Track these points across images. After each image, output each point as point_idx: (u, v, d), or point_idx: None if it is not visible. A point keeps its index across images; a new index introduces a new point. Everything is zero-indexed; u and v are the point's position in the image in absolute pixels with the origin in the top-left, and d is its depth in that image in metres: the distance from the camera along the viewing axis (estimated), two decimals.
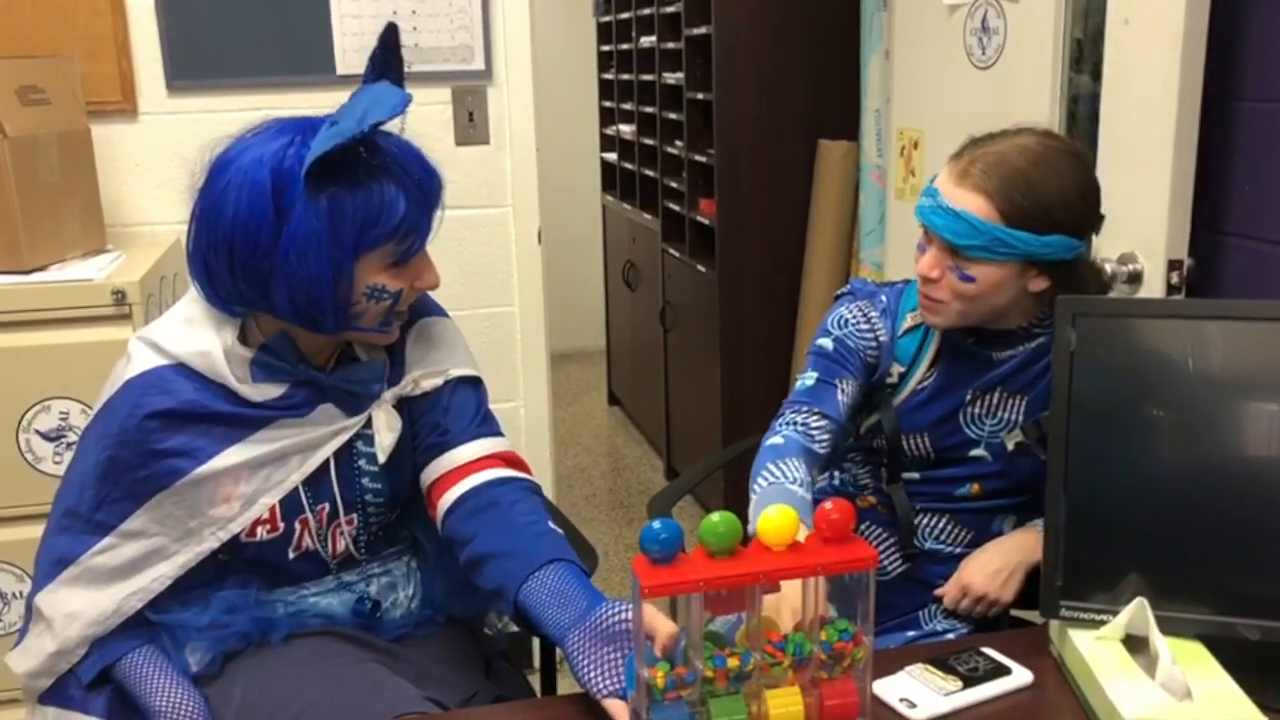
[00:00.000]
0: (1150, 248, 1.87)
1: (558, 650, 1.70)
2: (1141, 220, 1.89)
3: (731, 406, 3.67)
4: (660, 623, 1.19)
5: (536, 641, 1.73)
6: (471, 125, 2.71)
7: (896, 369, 1.66)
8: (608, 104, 5.29)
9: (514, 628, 1.69)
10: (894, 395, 1.67)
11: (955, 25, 2.60)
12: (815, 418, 1.62)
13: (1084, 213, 1.52)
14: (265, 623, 1.48)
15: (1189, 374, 1.32)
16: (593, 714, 1.27)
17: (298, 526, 1.48)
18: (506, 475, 1.51)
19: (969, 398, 1.64)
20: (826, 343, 1.67)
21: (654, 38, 4.23)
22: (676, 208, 4.15)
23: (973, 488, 1.67)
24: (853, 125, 3.30)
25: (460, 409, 1.54)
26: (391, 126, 1.38)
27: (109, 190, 2.49)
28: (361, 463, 1.51)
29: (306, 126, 1.36)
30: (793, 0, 3.41)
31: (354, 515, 1.52)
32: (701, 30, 3.61)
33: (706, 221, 3.79)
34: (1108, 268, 1.92)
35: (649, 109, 4.47)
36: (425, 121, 2.66)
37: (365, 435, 1.51)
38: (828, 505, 1.19)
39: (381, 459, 1.50)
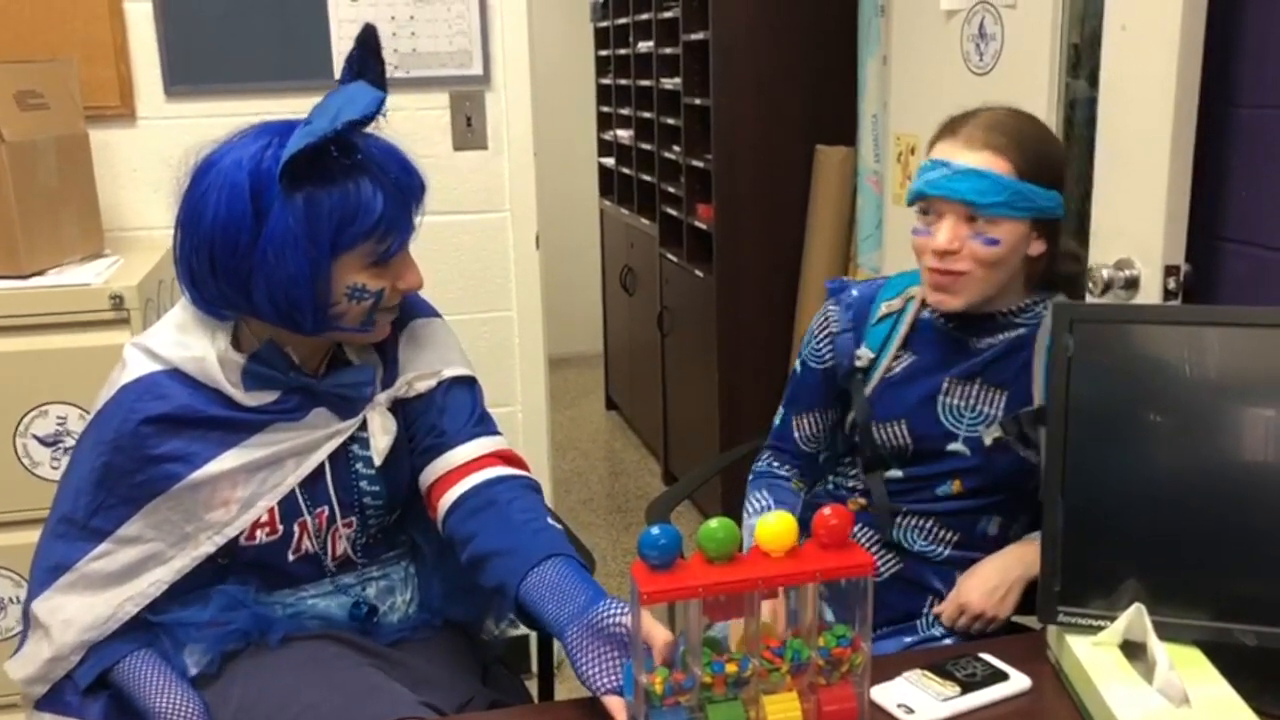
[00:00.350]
0: (1147, 253, 1.88)
1: (555, 655, 1.71)
2: (1138, 226, 1.89)
3: (729, 411, 3.67)
4: (657, 632, 1.19)
5: (534, 647, 1.73)
6: (469, 130, 2.71)
7: (866, 354, 1.68)
8: (605, 109, 5.29)
9: (511, 633, 1.69)
10: (865, 381, 1.68)
11: (953, 31, 2.61)
12: (783, 458, 1.83)
13: (1064, 169, 1.61)
14: (264, 621, 1.49)
15: (1186, 380, 1.32)
16: (590, 719, 1.27)
17: (296, 529, 1.48)
18: (505, 473, 1.51)
19: (946, 386, 1.64)
20: (798, 365, 1.79)
21: (652, 43, 4.24)
22: (674, 213, 4.16)
23: (954, 485, 1.66)
24: (850, 130, 3.30)
25: (456, 409, 1.54)
26: (374, 128, 1.39)
27: (107, 195, 2.49)
28: (358, 466, 1.51)
29: (285, 129, 1.37)
30: (790, 5, 3.41)
31: (352, 518, 1.52)
32: (699, 35, 3.61)
33: (704, 226, 3.79)
34: (1104, 273, 1.92)
35: (647, 114, 4.47)
36: (423, 126, 2.67)
37: (361, 438, 1.51)
38: (826, 511, 1.19)
39: (378, 462, 1.50)
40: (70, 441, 2.08)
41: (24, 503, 2.08)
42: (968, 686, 1.31)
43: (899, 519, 1.69)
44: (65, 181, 2.24)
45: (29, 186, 2.12)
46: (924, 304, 1.67)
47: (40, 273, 2.15)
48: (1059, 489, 1.35)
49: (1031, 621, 1.57)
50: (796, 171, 3.50)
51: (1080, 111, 2.32)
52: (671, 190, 4.17)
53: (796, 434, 1.80)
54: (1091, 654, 1.30)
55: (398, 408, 1.53)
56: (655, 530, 1.15)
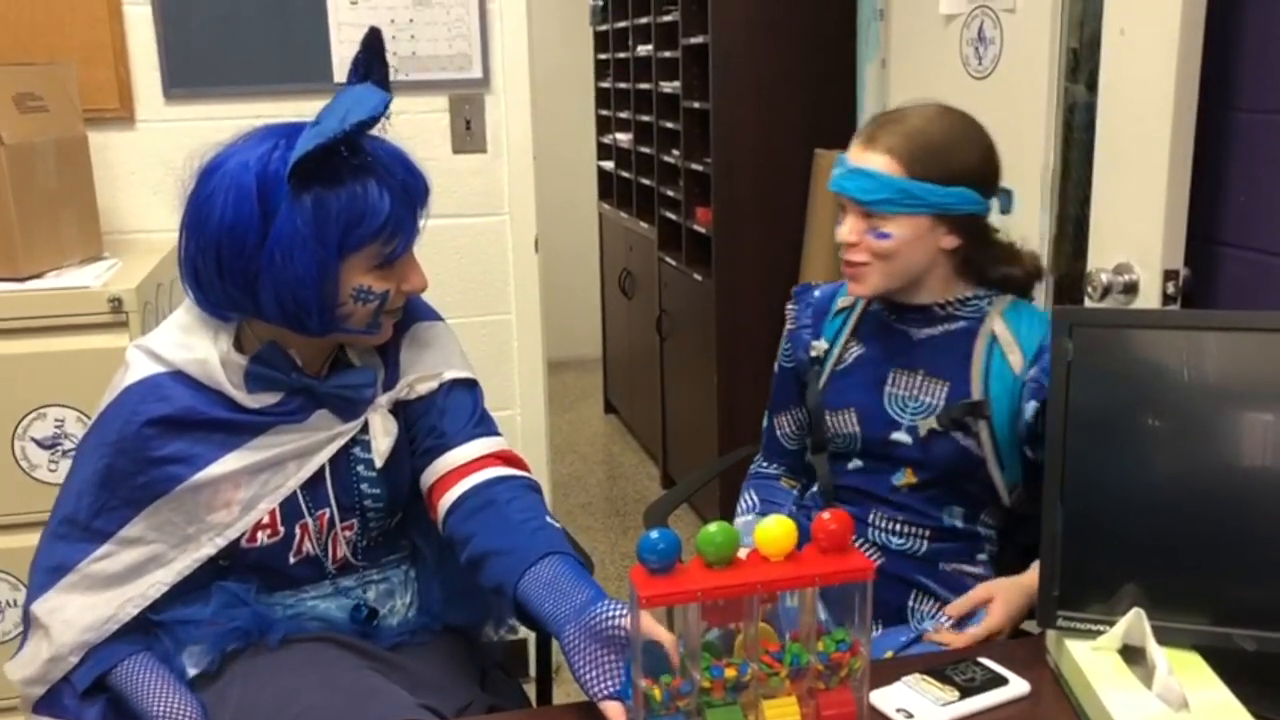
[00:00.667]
0: (1146, 258, 1.88)
1: (554, 659, 1.71)
2: (1137, 230, 1.89)
3: (728, 415, 3.67)
4: (661, 634, 1.19)
5: (533, 651, 1.73)
6: (469, 133, 2.71)
7: (820, 345, 1.77)
8: (605, 112, 5.29)
9: (510, 638, 1.69)
10: (820, 370, 1.76)
11: (952, 35, 2.61)
12: (771, 458, 1.91)
13: (981, 167, 1.63)
14: (264, 621, 1.49)
15: (1185, 384, 1.32)
16: None
17: (298, 531, 1.49)
18: (505, 474, 1.51)
19: (891, 376, 1.69)
20: (775, 368, 1.87)
21: (651, 46, 4.24)
22: (673, 216, 4.16)
23: (906, 475, 1.69)
24: (849, 134, 3.27)
25: (456, 411, 1.54)
26: (377, 131, 1.39)
27: (106, 197, 2.49)
28: (359, 468, 1.51)
29: (291, 131, 1.37)
30: (790, 9, 3.41)
31: (353, 520, 1.52)
32: (698, 39, 3.61)
33: (703, 230, 3.79)
34: (1103, 277, 1.92)
35: (646, 118, 4.47)
36: (422, 129, 2.67)
37: (362, 440, 1.51)
38: (825, 515, 1.19)
39: (379, 464, 1.50)
40: (68, 444, 2.07)
41: (22, 505, 2.08)
42: (967, 691, 1.31)
43: (871, 518, 1.71)
44: (64, 184, 2.24)
45: (28, 189, 2.12)
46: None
47: (39, 275, 2.15)
48: (1058, 493, 1.35)
49: (1031, 626, 1.57)
50: (795, 175, 3.50)
51: (1079, 116, 2.32)
52: (670, 194, 4.17)
53: (778, 433, 1.88)
54: (1091, 658, 1.30)
55: (399, 410, 1.53)
56: (654, 534, 1.15)
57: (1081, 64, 2.30)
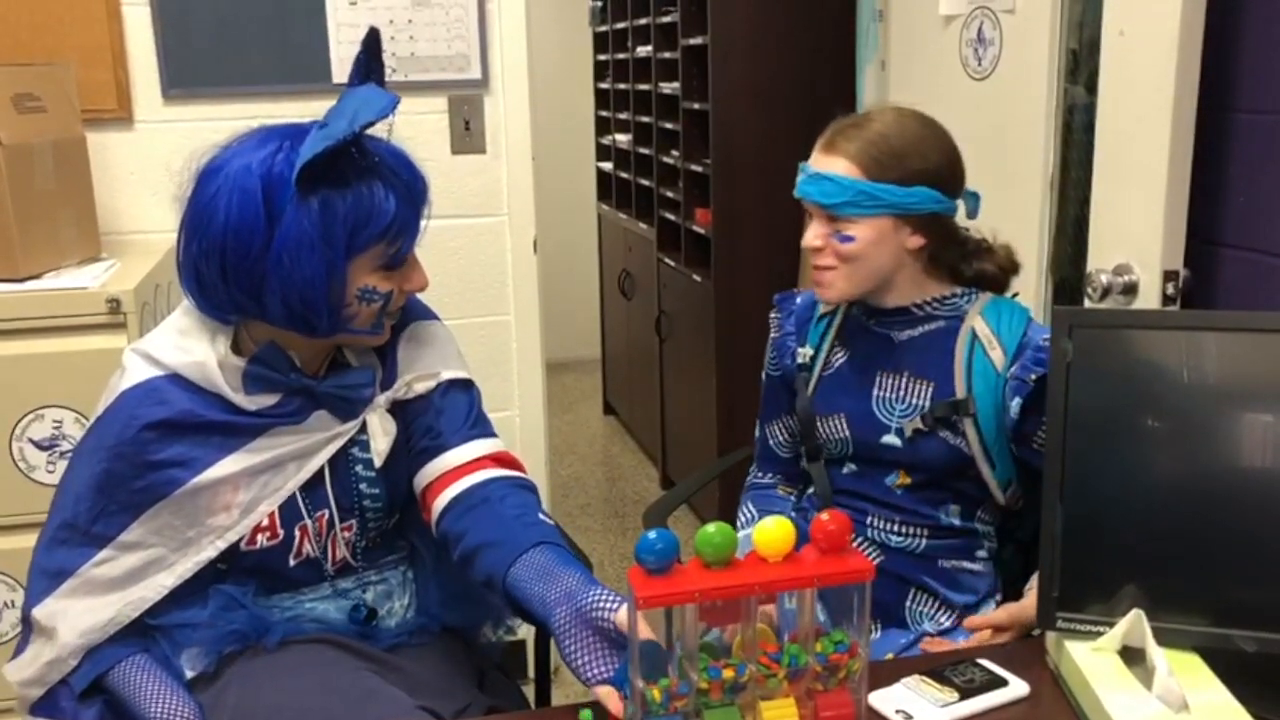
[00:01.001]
0: (1146, 259, 1.88)
1: (552, 660, 1.71)
2: (1137, 231, 1.89)
3: (727, 416, 3.67)
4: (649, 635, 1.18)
5: (531, 653, 1.73)
6: (468, 134, 2.71)
7: (806, 351, 1.78)
8: (604, 113, 5.30)
9: (508, 639, 1.69)
10: (809, 376, 1.76)
11: (951, 36, 2.61)
12: (766, 467, 1.90)
13: (941, 167, 1.63)
14: (262, 623, 1.48)
15: (1185, 385, 1.32)
16: None
17: (297, 533, 1.48)
18: (499, 475, 1.51)
19: (879, 379, 1.70)
20: (763, 378, 1.87)
21: (650, 47, 4.24)
22: (672, 217, 4.16)
23: (900, 476, 1.69)
24: None
25: (452, 411, 1.54)
26: (379, 131, 1.39)
27: (104, 198, 2.49)
28: (358, 469, 1.51)
29: (293, 133, 1.37)
30: (789, 10, 3.41)
31: (352, 521, 1.52)
32: (698, 40, 3.61)
33: (702, 231, 3.79)
34: (1103, 278, 1.92)
35: (645, 118, 4.47)
36: (421, 130, 2.66)
37: (361, 441, 1.51)
38: (824, 517, 1.19)
39: (378, 464, 1.50)
40: (66, 446, 2.07)
41: (20, 506, 2.08)
42: (966, 692, 1.31)
43: (869, 519, 1.70)
44: (62, 185, 2.24)
45: (26, 190, 2.12)
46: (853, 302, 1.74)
47: (37, 276, 2.15)
48: (1058, 494, 1.35)
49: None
50: (795, 176, 3.48)
51: (1079, 117, 2.31)
52: (670, 195, 4.17)
53: (771, 442, 1.88)
54: (1090, 659, 1.30)
55: (396, 410, 1.53)
56: (652, 535, 1.15)
57: (1081, 65, 2.30)
